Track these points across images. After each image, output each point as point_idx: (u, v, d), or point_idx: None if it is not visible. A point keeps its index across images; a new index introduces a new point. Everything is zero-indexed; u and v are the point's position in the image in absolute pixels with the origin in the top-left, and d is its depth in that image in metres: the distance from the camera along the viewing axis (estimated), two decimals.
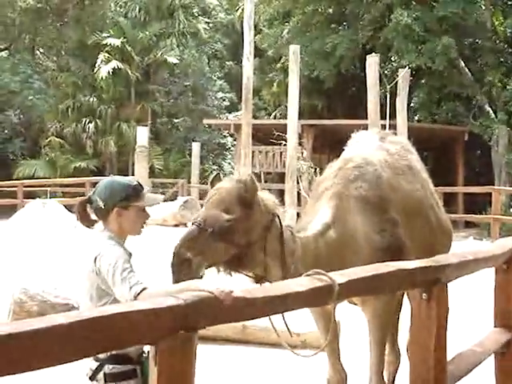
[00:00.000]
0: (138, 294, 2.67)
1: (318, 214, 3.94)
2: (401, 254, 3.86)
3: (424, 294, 3.30)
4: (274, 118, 28.13)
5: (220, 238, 3.29)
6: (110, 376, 2.86)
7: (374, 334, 4.05)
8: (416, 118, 22.66)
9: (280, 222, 3.57)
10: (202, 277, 3.27)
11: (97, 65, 27.77)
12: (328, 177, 4.22)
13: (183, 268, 3.19)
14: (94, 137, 27.99)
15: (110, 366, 2.86)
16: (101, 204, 2.99)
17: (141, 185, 3.12)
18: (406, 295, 4.66)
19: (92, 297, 2.90)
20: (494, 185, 20.27)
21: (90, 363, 2.89)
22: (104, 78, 27.40)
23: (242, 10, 20.64)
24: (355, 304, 4.15)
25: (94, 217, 3.06)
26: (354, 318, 4.47)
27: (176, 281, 3.16)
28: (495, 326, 4.49)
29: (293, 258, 3.59)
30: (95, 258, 2.87)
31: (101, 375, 2.86)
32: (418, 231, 4.25)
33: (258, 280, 3.57)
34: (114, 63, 27.74)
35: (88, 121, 27.93)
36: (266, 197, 3.62)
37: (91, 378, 2.88)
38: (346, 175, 4.10)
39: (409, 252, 3.96)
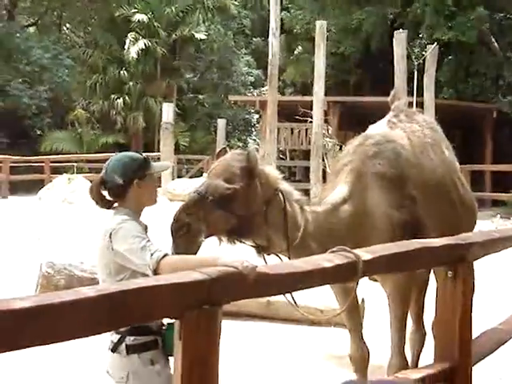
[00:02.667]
0: (161, 258, 2.71)
1: (335, 189, 3.94)
2: (419, 230, 3.84)
3: (449, 272, 3.29)
4: (301, 94, 27.96)
5: (220, 206, 3.35)
6: (132, 347, 2.90)
7: (394, 309, 4.06)
8: (442, 94, 22.31)
9: (284, 196, 3.59)
10: (200, 243, 3.32)
11: (126, 46, 27.71)
12: (347, 153, 4.22)
13: (182, 233, 3.24)
14: (122, 113, 28.07)
15: (132, 338, 2.89)
16: (119, 180, 3.01)
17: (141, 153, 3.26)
18: (432, 273, 4.66)
19: (110, 272, 2.93)
20: None
21: (111, 336, 2.93)
22: (134, 58, 27.37)
23: None
24: (375, 280, 4.15)
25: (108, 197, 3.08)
26: (377, 295, 4.47)
27: (175, 245, 3.25)
28: None
29: (298, 231, 3.61)
30: (110, 234, 2.89)
31: (123, 347, 2.90)
32: (438, 209, 4.22)
33: (261, 251, 3.61)
34: (142, 42, 27.69)
35: (116, 97, 28.00)
36: (269, 171, 3.66)
37: (113, 350, 2.93)
38: (364, 151, 4.09)
39: (427, 229, 3.94)
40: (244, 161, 3.46)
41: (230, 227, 3.43)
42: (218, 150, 3.74)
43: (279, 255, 3.70)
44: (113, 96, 28.03)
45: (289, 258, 3.65)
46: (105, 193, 3.08)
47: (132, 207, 3.03)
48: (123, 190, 3.02)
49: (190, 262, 2.69)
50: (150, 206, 3.12)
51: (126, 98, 28.06)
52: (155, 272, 2.70)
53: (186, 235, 3.25)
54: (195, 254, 3.27)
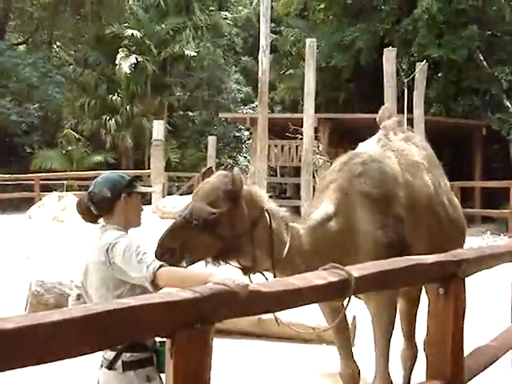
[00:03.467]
0: (157, 269, 2.73)
1: (320, 207, 3.94)
2: (404, 250, 3.83)
3: (441, 289, 3.28)
4: (291, 111, 28.07)
5: (204, 231, 3.34)
6: (128, 364, 2.91)
7: (378, 328, 4.03)
8: (432, 111, 22.44)
9: (269, 216, 3.59)
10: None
11: (117, 61, 27.74)
12: (333, 170, 4.23)
13: (166, 258, 3.22)
14: (112, 131, 28.07)
15: (128, 354, 2.91)
16: (107, 193, 3.05)
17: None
18: (424, 290, 4.65)
19: (109, 288, 2.94)
20: (511, 180, 20.09)
21: (104, 353, 2.93)
22: (125, 73, 27.38)
23: (259, 3, 20.59)
24: (359, 298, 4.14)
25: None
26: (368, 313, 4.45)
27: None
28: None
29: (284, 247, 3.61)
30: (107, 249, 2.91)
31: (119, 364, 2.91)
32: (425, 228, 4.22)
33: (247, 271, 3.59)
34: (134, 57, 27.73)
35: (106, 116, 28.00)
36: (255, 192, 3.66)
37: (109, 367, 2.93)
38: (350, 170, 4.10)
39: (413, 249, 3.92)
40: (229, 183, 3.45)
41: (216, 250, 3.43)
42: (203, 169, 3.73)
43: (264, 273, 3.69)
44: (103, 115, 28.04)
45: (274, 276, 3.64)
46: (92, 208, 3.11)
47: (119, 223, 3.06)
48: (110, 204, 3.06)
49: (184, 275, 2.77)
50: (135, 228, 3.16)
51: (117, 116, 28.08)
52: (153, 283, 2.73)
53: (169, 260, 3.22)
54: None
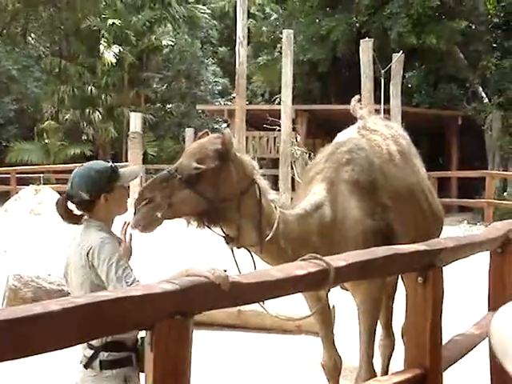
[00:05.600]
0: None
1: (307, 197, 3.94)
2: (391, 238, 3.86)
3: (420, 278, 3.31)
4: (268, 102, 28.05)
5: (187, 186, 3.35)
6: (106, 363, 2.85)
7: (364, 320, 4.05)
8: (414, 101, 22.57)
9: (260, 190, 3.59)
10: (160, 221, 3.32)
11: (101, 52, 27.47)
12: (319, 161, 4.22)
13: (142, 207, 3.26)
14: (92, 123, 27.88)
15: (106, 354, 2.84)
16: (85, 196, 2.94)
17: (111, 162, 3.13)
18: (400, 279, 4.68)
19: (86, 291, 2.86)
20: (487, 169, 20.29)
21: (84, 350, 2.88)
22: (111, 63, 27.12)
23: None
24: (346, 290, 4.16)
25: (77, 211, 3.01)
26: (349, 304, 4.48)
27: (135, 219, 3.26)
28: (489, 310, 4.51)
29: (270, 229, 3.59)
30: (87, 253, 2.82)
31: (96, 363, 2.85)
32: (409, 217, 4.25)
33: (230, 241, 3.58)
34: (116, 47, 27.47)
35: (83, 107, 27.79)
36: (246, 159, 3.65)
37: (86, 366, 2.87)
38: (337, 159, 4.10)
39: (399, 237, 3.96)
40: (218, 143, 3.47)
41: (199, 210, 3.41)
42: (199, 133, 3.74)
43: (250, 251, 3.68)
44: (81, 106, 27.83)
45: (260, 252, 3.63)
46: (73, 206, 3.01)
47: (102, 219, 2.98)
48: (91, 204, 2.96)
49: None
50: (120, 215, 3.07)
51: (93, 108, 27.87)
52: None
53: (145, 207, 3.26)
54: (154, 229, 3.33)
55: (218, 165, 3.43)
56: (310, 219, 3.80)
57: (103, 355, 2.84)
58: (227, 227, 3.55)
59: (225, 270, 2.27)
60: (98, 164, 3.10)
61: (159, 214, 3.29)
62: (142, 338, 2.85)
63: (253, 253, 3.69)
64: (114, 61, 27.06)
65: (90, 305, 1.88)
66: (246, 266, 3.56)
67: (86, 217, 3.01)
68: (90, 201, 2.95)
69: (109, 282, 2.75)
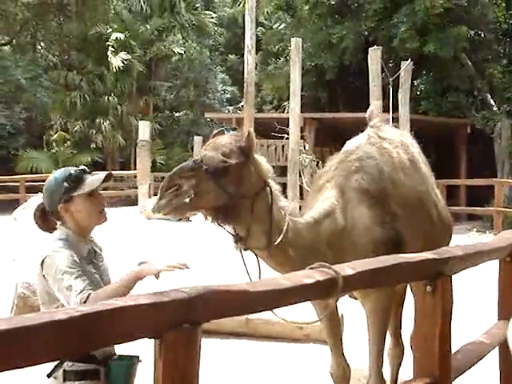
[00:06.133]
0: (85, 301, 2.61)
1: (316, 205, 3.94)
2: (400, 247, 3.85)
3: (428, 287, 3.29)
4: (277, 110, 28.08)
5: (213, 178, 3.37)
6: (70, 374, 2.73)
7: (373, 329, 4.03)
8: (421, 108, 22.54)
9: (272, 194, 3.60)
10: (183, 211, 3.39)
11: (109, 58, 27.60)
12: (329, 169, 4.21)
13: (171, 191, 3.28)
14: (99, 131, 27.99)
15: (70, 363, 2.73)
16: (47, 208, 2.94)
17: (83, 170, 2.99)
18: (408, 288, 4.66)
19: (44, 300, 2.81)
20: (496, 177, 20.22)
21: None
22: (118, 69, 27.22)
23: (245, 2, 20.57)
24: (355, 298, 4.15)
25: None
26: (358, 313, 4.46)
27: (159, 204, 3.27)
28: (499, 319, 4.48)
29: (279, 234, 3.59)
30: (41, 262, 2.78)
31: (60, 372, 2.73)
32: (418, 225, 4.23)
33: (239, 241, 3.58)
34: (123, 54, 27.59)
35: (92, 116, 27.90)
36: (262, 161, 3.68)
37: (49, 375, 2.76)
38: (347, 167, 4.09)
39: (408, 245, 3.94)
40: (242, 140, 3.51)
41: (219, 204, 3.43)
42: (215, 131, 3.75)
43: (257, 257, 3.67)
44: (90, 115, 27.95)
45: (267, 257, 3.63)
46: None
47: (72, 228, 2.92)
48: (55, 214, 2.94)
49: (113, 288, 2.64)
50: (98, 225, 2.99)
51: (107, 117, 27.98)
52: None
53: (173, 193, 3.29)
54: (175, 216, 3.35)
55: (243, 160, 3.47)
56: (319, 227, 3.80)
57: (67, 365, 2.73)
58: (239, 226, 3.56)
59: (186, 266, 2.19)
60: (60, 173, 2.99)
61: (187, 200, 3.31)
62: (120, 356, 2.80)
63: (260, 258, 3.69)
64: (121, 65, 27.14)
65: (96, 313, 1.87)
66: (254, 271, 3.56)
67: (58, 224, 2.97)
68: (52, 212, 2.93)
69: (59, 290, 2.70)
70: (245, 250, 3.62)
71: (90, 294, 2.64)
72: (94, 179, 2.97)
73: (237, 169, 3.45)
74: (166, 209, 3.31)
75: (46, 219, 2.98)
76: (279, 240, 3.58)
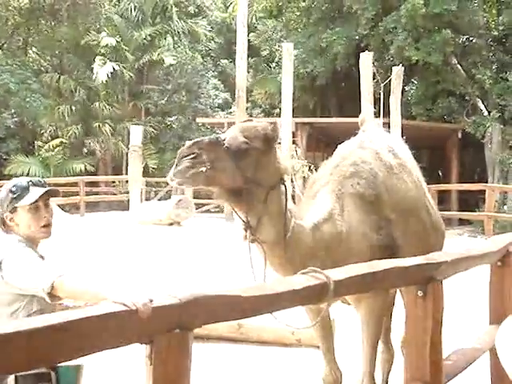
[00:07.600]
0: (56, 280, 2.59)
1: (313, 210, 3.94)
2: (394, 252, 3.87)
3: (419, 291, 3.30)
4: (268, 115, 28.09)
5: (232, 157, 3.38)
6: (21, 378, 2.71)
7: (367, 334, 4.03)
8: (412, 113, 22.60)
9: (286, 191, 3.61)
10: (199, 181, 3.36)
11: (94, 70, 27.57)
12: (323, 174, 4.22)
13: (187, 160, 3.30)
14: (89, 137, 27.95)
15: None
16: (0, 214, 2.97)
17: (32, 182, 3.00)
18: (398, 292, 4.67)
19: (3, 303, 2.80)
20: (487, 182, 20.30)
21: None
22: (103, 82, 27.23)
23: (236, 8, 20.62)
24: (349, 304, 4.15)
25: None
26: (349, 318, 4.46)
27: (176, 170, 3.29)
28: (490, 323, 4.50)
29: (286, 232, 3.59)
30: (0, 263, 2.77)
31: (12, 376, 2.71)
32: (411, 230, 4.24)
33: (248, 229, 3.56)
34: (110, 65, 27.56)
35: (83, 121, 27.84)
36: (284, 158, 3.71)
37: (2, 378, 2.71)
38: (341, 172, 4.10)
39: (401, 251, 3.96)
40: (267, 129, 3.52)
41: (233, 185, 3.44)
42: (244, 119, 3.81)
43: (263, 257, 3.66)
44: (82, 121, 27.88)
45: (273, 252, 3.62)
46: None
47: (20, 235, 2.95)
48: (3, 223, 2.98)
49: (85, 289, 2.55)
50: (42, 238, 3.00)
51: (95, 122, 27.94)
52: (50, 294, 2.59)
53: (190, 161, 3.30)
54: (190, 185, 3.47)
55: (265, 148, 3.49)
56: (319, 233, 3.81)
57: None
58: (250, 214, 3.55)
59: (151, 300, 2.12)
60: (11, 182, 3.04)
61: (203, 169, 3.32)
62: (77, 366, 2.80)
63: (264, 258, 3.67)
64: (106, 79, 27.06)
65: (87, 319, 1.87)
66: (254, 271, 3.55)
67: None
68: (2, 218, 2.97)
69: (25, 280, 2.69)
70: (252, 241, 3.61)
71: (61, 275, 2.61)
72: (37, 192, 2.97)
73: (257, 154, 3.47)
74: (182, 176, 3.32)
75: (5, 224, 3.01)
76: (287, 237, 3.59)
